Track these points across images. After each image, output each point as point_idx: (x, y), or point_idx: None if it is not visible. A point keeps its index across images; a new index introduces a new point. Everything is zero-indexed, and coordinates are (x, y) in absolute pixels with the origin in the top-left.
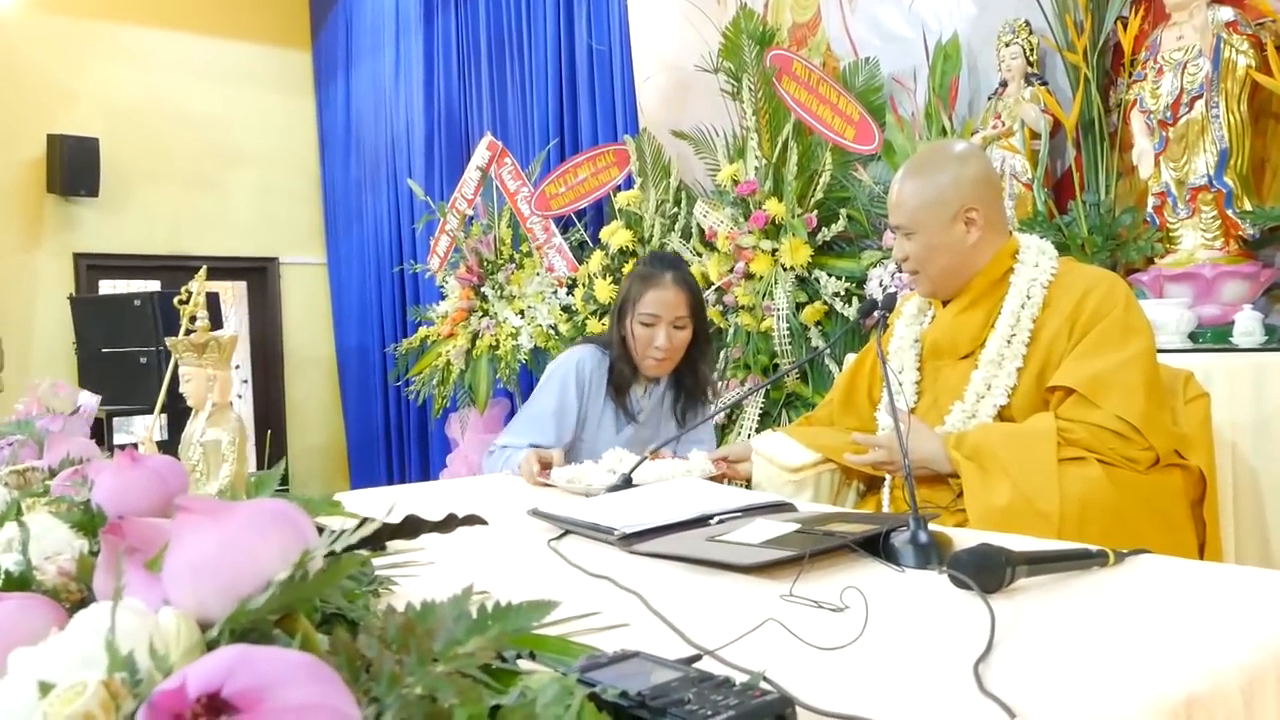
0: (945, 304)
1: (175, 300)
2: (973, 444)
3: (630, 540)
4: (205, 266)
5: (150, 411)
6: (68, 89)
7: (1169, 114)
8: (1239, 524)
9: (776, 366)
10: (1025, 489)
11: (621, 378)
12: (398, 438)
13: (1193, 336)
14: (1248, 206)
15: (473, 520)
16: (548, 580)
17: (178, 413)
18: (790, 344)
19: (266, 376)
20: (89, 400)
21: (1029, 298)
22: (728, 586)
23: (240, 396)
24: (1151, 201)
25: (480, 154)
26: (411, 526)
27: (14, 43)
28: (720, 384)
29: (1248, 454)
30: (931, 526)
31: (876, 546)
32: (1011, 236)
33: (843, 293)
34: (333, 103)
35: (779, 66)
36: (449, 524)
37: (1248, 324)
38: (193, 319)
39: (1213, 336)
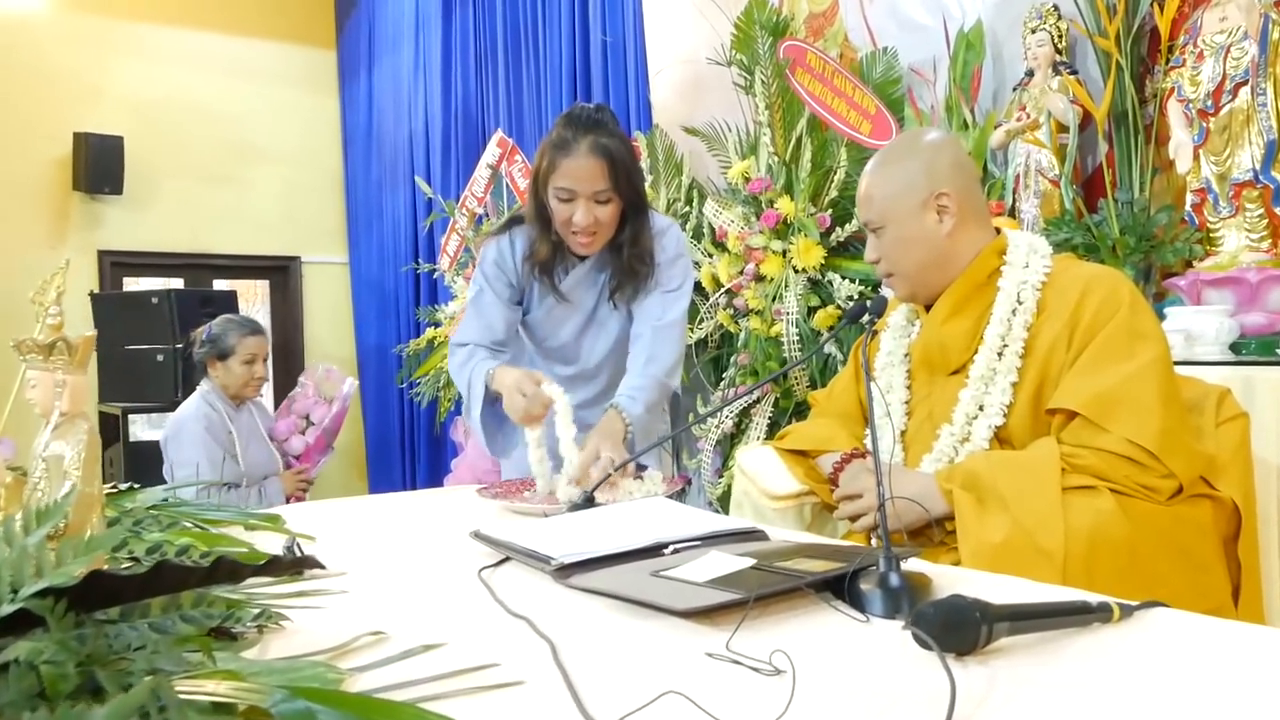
0: (929, 309)
1: (32, 295)
2: (966, 472)
3: (567, 572)
4: (66, 263)
5: (167, 409)
6: (93, 88)
7: (1210, 103)
8: None
9: (785, 374)
10: (1025, 522)
11: (540, 254)
12: (411, 440)
13: (1234, 348)
14: None
15: (307, 563)
16: (462, 618)
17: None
18: (800, 349)
19: (288, 376)
20: (349, 387)
21: (1020, 302)
22: (660, 633)
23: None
24: (1190, 199)
25: (491, 151)
26: (229, 569)
27: (41, 43)
28: (729, 390)
29: None
30: (913, 565)
31: (842, 588)
32: (999, 234)
33: (857, 296)
34: (355, 101)
35: (792, 58)
36: (276, 566)
37: None
38: (52, 315)
39: (1257, 348)
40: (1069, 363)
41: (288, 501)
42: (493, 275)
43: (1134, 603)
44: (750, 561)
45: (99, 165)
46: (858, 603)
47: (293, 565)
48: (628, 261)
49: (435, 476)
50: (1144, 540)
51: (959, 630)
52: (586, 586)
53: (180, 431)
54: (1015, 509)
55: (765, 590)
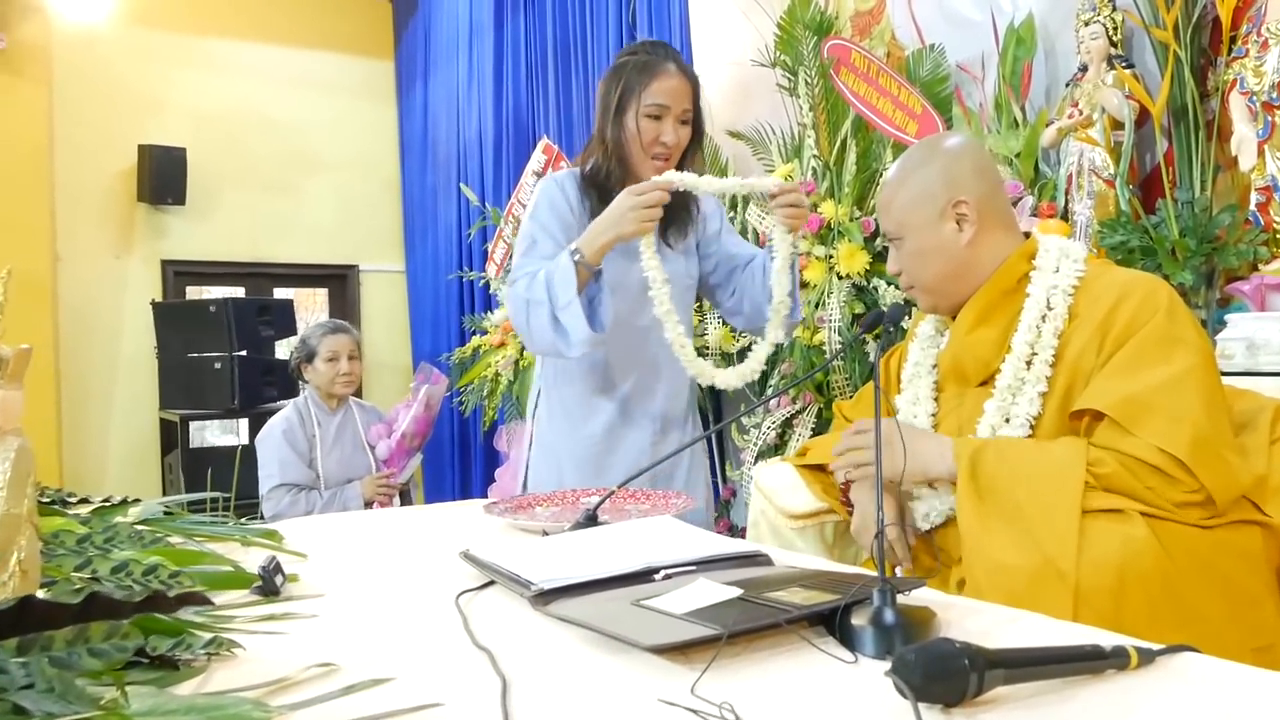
0: (955, 319)
1: None
2: (988, 472)
3: (547, 598)
4: (8, 273)
5: (224, 416)
6: (157, 100)
7: (1275, 95)
8: None
9: (829, 384)
10: (1045, 543)
11: (605, 189)
12: (462, 449)
13: None
14: None
15: (192, 599)
16: (425, 648)
17: (252, 417)
18: (844, 358)
19: None
20: (424, 387)
21: (1050, 308)
22: (628, 671)
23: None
24: (1255, 198)
25: (536, 158)
26: (163, 601)
27: (108, 57)
28: (774, 400)
29: None
30: (915, 597)
31: (834, 622)
32: (1029, 238)
33: (902, 303)
34: (413, 110)
35: (836, 58)
36: (154, 604)
37: None
38: None
39: None
40: (1099, 366)
41: (368, 506)
42: (548, 221)
43: (1156, 646)
44: (737, 591)
45: (163, 176)
46: (848, 639)
47: (170, 604)
48: (680, 196)
49: (487, 486)
50: (1180, 571)
51: (944, 679)
52: (561, 615)
53: (264, 436)
54: (1038, 525)
55: (740, 627)
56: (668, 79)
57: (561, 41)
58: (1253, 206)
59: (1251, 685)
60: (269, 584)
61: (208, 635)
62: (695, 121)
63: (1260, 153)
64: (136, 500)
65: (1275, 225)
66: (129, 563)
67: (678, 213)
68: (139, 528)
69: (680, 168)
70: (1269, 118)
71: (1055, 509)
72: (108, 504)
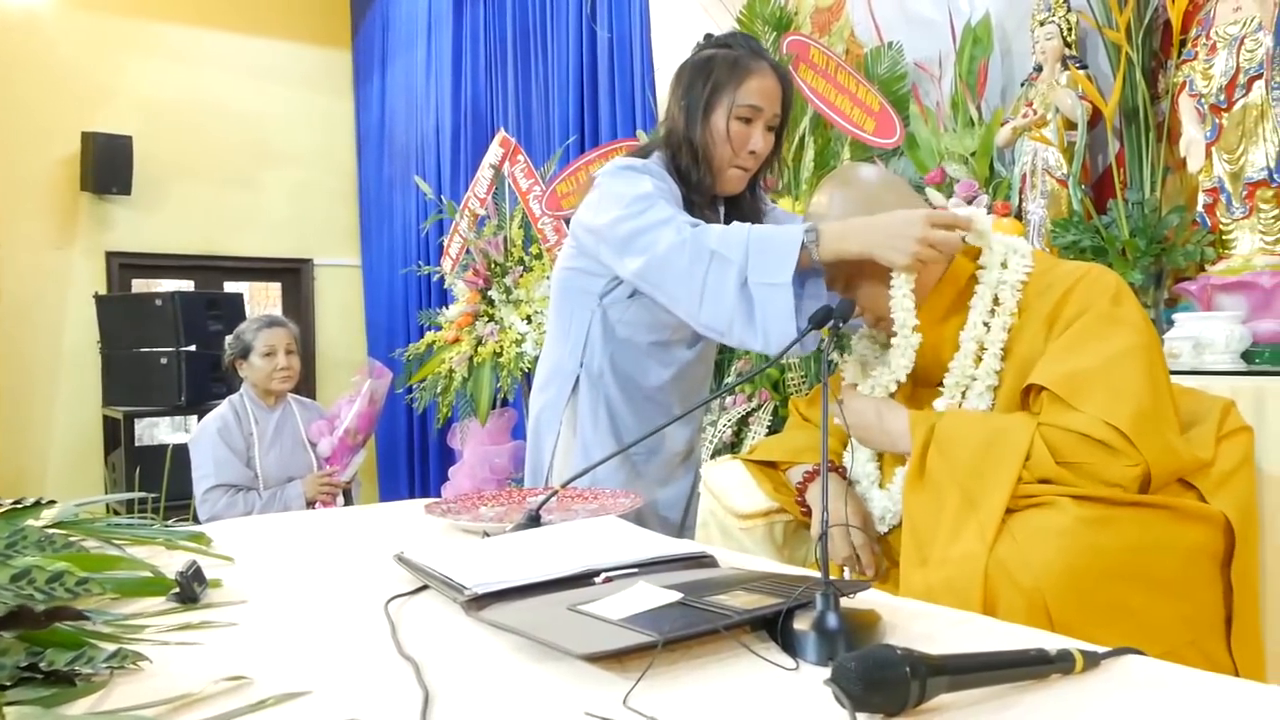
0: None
1: None
2: (933, 463)
3: (481, 603)
4: None
5: (171, 413)
6: (103, 87)
7: (1222, 97)
8: None
9: (784, 381)
10: (982, 532)
11: (694, 197)
12: (420, 447)
13: (1246, 356)
14: None
15: (63, 614)
16: (347, 658)
17: (200, 414)
18: (800, 355)
19: (299, 380)
20: (367, 382)
21: (999, 304)
22: (560, 681)
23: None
24: (1202, 199)
25: (493, 151)
26: (29, 617)
27: (51, 40)
28: (729, 397)
29: None
30: (861, 600)
31: (776, 627)
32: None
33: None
34: (369, 101)
35: (796, 54)
36: (61, 614)
37: None
38: None
39: (1270, 356)
40: (1045, 349)
41: (310, 506)
42: (663, 190)
43: (1102, 649)
44: (677, 595)
45: (107, 165)
46: (790, 645)
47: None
48: (750, 207)
49: (441, 485)
50: (1112, 566)
51: (884, 687)
52: (493, 621)
53: (198, 435)
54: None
55: (676, 633)
56: (764, 78)
57: (521, 33)
58: (1200, 208)
59: (1196, 688)
60: (187, 590)
61: (111, 647)
62: (781, 129)
63: (1208, 154)
64: (52, 502)
65: (1221, 226)
66: (31, 569)
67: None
68: (51, 531)
69: (758, 176)
70: (1217, 120)
71: (992, 494)
72: (19, 506)
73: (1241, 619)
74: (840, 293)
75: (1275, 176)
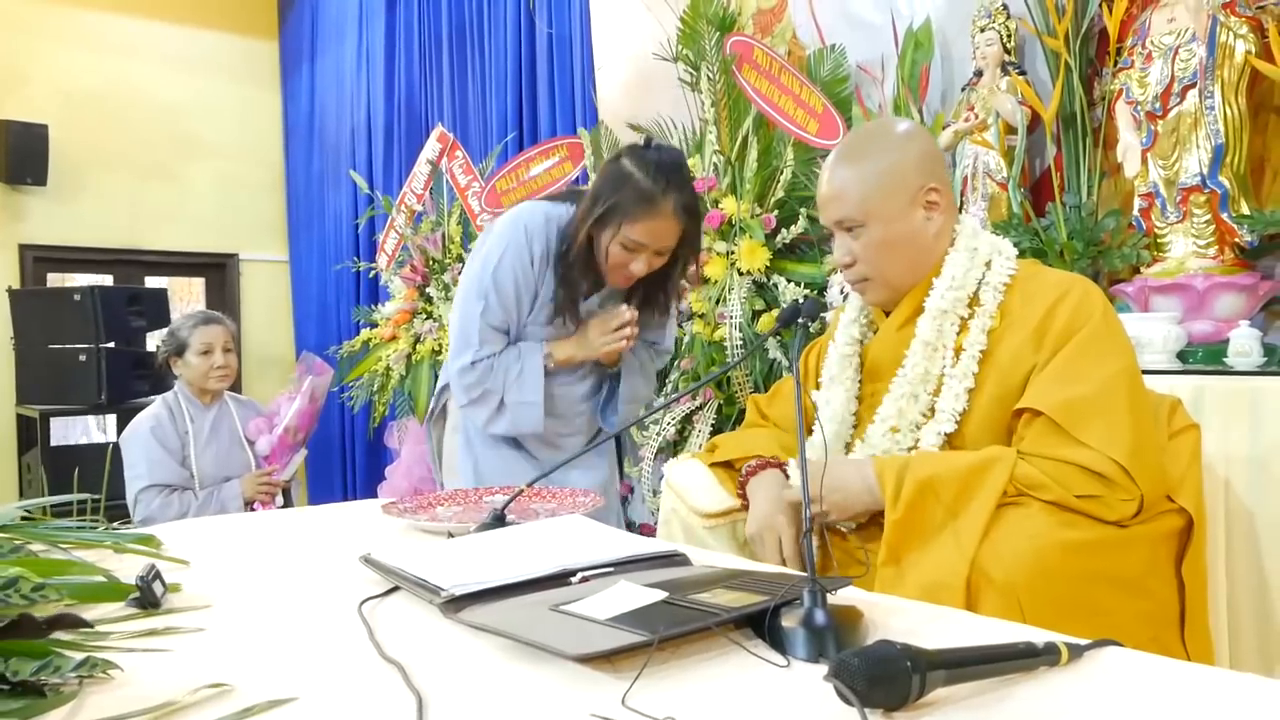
0: (887, 314)
1: None
2: (920, 477)
3: (458, 605)
4: None
5: (90, 412)
6: (18, 73)
7: (1158, 105)
8: (1232, 578)
9: (729, 379)
10: (960, 538)
11: (570, 280)
12: (350, 446)
13: (1181, 356)
14: (1245, 210)
15: (64, 621)
16: (327, 663)
17: (122, 413)
18: (746, 355)
19: None
20: (309, 379)
21: (980, 305)
22: (552, 682)
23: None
24: (1138, 204)
25: (431, 146)
26: None
27: None
28: (670, 392)
29: (1242, 494)
30: (845, 596)
31: (763, 625)
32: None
33: (802, 300)
34: (297, 94)
35: (739, 54)
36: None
37: (1244, 343)
38: None
39: (1204, 356)
40: (1041, 364)
41: (249, 506)
42: (504, 284)
43: (1083, 641)
44: (661, 595)
45: (21, 154)
46: (779, 643)
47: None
48: (655, 296)
49: (373, 484)
50: (1084, 568)
51: (887, 683)
52: (475, 623)
53: (130, 435)
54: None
55: (670, 632)
56: (662, 221)
57: (457, 28)
58: (1136, 212)
59: (1172, 676)
60: (148, 595)
61: (79, 655)
62: (685, 247)
63: (1143, 160)
64: None
65: (1156, 230)
66: None
67: (648, 309)
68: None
69: (668, 275)
70: (1152, 127)
71: (972, 515)
72: None
73: (1193, 614)
74: (840, 244)
75: (1208, 182)
